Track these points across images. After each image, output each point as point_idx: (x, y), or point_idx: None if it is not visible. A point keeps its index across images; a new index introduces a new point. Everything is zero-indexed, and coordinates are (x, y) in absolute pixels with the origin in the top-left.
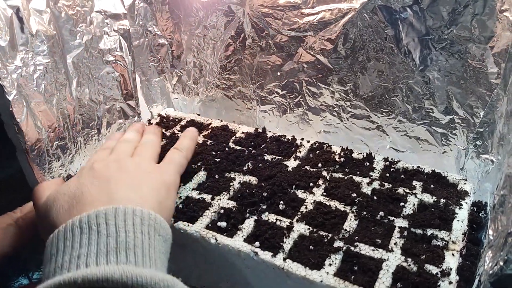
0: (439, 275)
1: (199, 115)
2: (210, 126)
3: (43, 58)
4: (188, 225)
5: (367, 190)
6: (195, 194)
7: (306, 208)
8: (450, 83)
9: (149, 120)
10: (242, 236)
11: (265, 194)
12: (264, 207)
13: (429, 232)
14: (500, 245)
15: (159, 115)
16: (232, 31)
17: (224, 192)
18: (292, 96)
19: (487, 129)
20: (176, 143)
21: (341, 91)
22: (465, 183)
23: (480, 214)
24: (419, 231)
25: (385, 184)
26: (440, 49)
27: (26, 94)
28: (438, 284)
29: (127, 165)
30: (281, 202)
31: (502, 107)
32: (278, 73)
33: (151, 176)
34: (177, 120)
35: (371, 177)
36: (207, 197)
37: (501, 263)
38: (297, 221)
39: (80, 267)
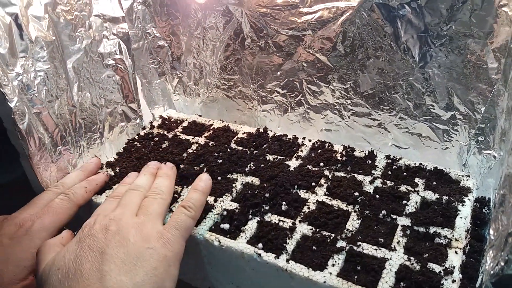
0: (442, 274)
1: (200, 116)
2: (211, 127)
3: (43, 64)
4: None
5: (369, 188)
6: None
7: (308, 208)
8: (450, 79)
9: (151, 122)
10: (245, 238)
11: (267, 195)
12: (267, 208)
13: (432, 230)
14: (501, 245)
15: (160, 117)
16: (231, 32)
17: (226, 194)
18: (292, 95)
19: (488, 124)
20: (186, 197)
21: (342, 89)
22: (467, 179)
23: (484, 210)
24: (421, 229)
25: (387, 182)
26: (440, 45)
27: (27, 100)
28: (442, 282)
29: (127, 232)
30: (284, 202)
31: (503, 103)
32: (278, 73)
33: (150, 253)
34: (178, 121)
35: (373, 175)
36: (210, 199)
37: (502, 263)
38: (299, 221)
39: None
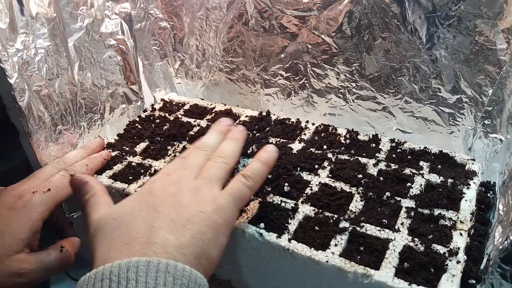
0: (446, 255)
1: (202, 99)
2: (213, 110)
3: (44, 41)
4: None
5: (373, 171)
6: None
7: (311, 189)
8: (457, 61)
9: (153, 105)
10: (247, 218)
11: (269, 176)
12: (269, 189)
13: (437, 212)
14: (511, 219)
15: (162, 99)
16: (234, 12)
17: None
18: (296, 79)
19: (495, 107)
20: (247, 167)
21: (347, 72)
22: (473, 163)
23: (489, 195)
24: (426, 211)
25: (392, 165)
26: (448, 26)
27: (27, 77)
28: (446, 263)
29: (183, 194)
30: (286, 184)
31: (511, 85)
32: (282, 55)
33: (200, 217)
34: (180, 104)
35: (377, 158)
36: None
37: None
38: (302, 202)
39: None
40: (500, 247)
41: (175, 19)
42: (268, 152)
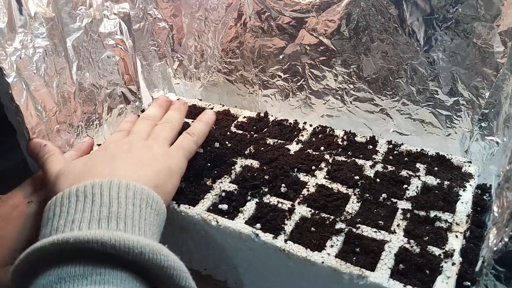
0: (442, 256)
1: (200, 100)
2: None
3: (42, 40)
4: (189, 207)
5: (370, 172)
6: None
7: (308, 190)
8: (455, 64)
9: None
10: (244, 218)
11: (266, 177)
12: (266, 190)
13: (433, 214)
14: (505, 221)
15: None
16: (233, 13)
17: (225, 176)
18: (294, 80)
19: (492, 110)
20: (190, 127)
21: (345, 74)
22: (469, 166)
23: (485, 197)
24: (422, 213)
25: (388, 166)
26: (445, 28)
27: (25, 76)
28: (441, 265)
29: (137, 147)
30: (283, 185)
31: (508, 87)
32: (280, 56)
33: (157, 160)
34: None
35: (374, 160)
36: (209, 180)
37: (506, 239)
38: (298, 203)
39: (73, 230)
40: (495, 248)
41: (174, 20)
42: (208, 114)
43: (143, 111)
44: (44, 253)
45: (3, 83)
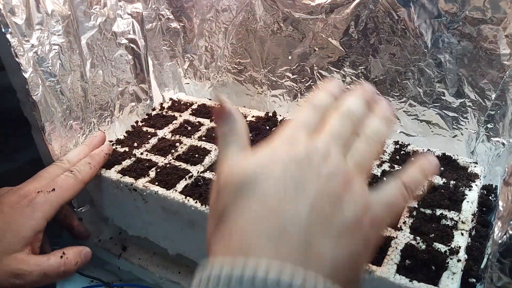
0: (448, 253)
1: (210, 99)
2: None
3: (58, 38)
4: (196, 202)
5: (377, 171)
6: (207, 174)
7: None
8: (461, 66)
9: (161, 104)
10: None
11: None
12: None
13: (439, 212)
14: (510, 214)
15: (170, 99)
16: (243, 14)
17: None
18: (303, 80)
19: (498, 111)
20: (407, 173)
21: (353, 75)
22: (475, 166)
23: (490, 198)
24: (428, 211)
25: (395, 166)
26: (452, 30)
27: (42, 72)
28: (447, 261)
29: (332, 182)
30: None
31: None
32: (290, 57)
33: (358, 224)
34: (188, 104)
35: (381, 159)
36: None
37: (511, 232)
38: None
39: None
40: (499, 241)
41: (185, 20)
42: (431, 164)
43: (153, 109)
44: None
45: (20, 78)
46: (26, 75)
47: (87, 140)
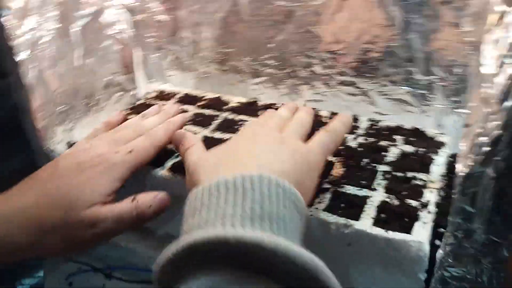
0: (419, 207)
1: (195, 90)
2: (204, 98)
3: (53, 23)
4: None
5: (352, 144)
6: None
7: None
8: (429, 45)
9: (146, 94)
10: None
11: None
12: None
13: (410, 174)
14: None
15: (155, 90)
16: (228, 5)
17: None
18: (283, 68)
19: (462, 84)
20: (327, 125)
21: (330, 59)
22: (442, 136)
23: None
24: (400, 174)
25: (369, 138)
26: (420, 11)
27: (35, 57)
28: (418, 214)
29: (274, 137)
30: None
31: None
32: (270, 45)
33: (295, 152)
34: (171, 94)
35: (356, 133)
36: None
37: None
38: None
39: (225, 225)
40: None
41: (172, 13)
42: (344, 116)
43: (139, 99)
44: (197, 250)
45: (13, 62)
46: (20, 59)
47: (164, 110)
